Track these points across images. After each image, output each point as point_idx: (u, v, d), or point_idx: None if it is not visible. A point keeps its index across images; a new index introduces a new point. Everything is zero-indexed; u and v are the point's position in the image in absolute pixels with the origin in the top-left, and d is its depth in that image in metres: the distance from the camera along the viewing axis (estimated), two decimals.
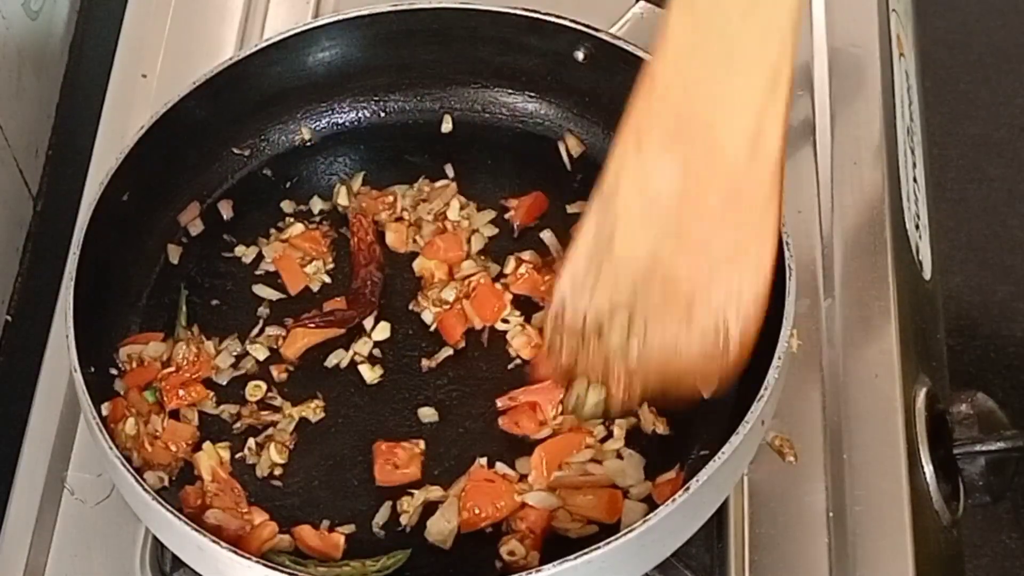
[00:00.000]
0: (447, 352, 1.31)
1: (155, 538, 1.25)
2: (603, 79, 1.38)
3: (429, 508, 1.23)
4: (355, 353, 1.32)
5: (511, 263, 1.35)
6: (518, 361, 1.30)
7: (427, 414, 1.28)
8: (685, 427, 1.26)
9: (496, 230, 1.38)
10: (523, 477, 1.23)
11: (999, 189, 2.31)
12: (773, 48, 1.10)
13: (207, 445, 1.26)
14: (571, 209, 1.39)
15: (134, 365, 1.30)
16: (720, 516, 1.26)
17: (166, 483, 1.25)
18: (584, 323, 1.20)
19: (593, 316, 1.20)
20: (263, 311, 1.35)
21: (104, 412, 1.25)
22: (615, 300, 1.19)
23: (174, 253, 1.38)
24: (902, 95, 1.56)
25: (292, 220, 1.40)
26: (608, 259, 1.19)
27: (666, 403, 1.23)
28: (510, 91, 1.44)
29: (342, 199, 1.40)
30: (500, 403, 1.27)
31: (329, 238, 1.39)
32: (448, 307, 1.32)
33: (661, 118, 1.15)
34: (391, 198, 1.40)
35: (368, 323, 1.33)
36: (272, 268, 1.37)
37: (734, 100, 1.12)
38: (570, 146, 1.42)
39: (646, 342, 1.19)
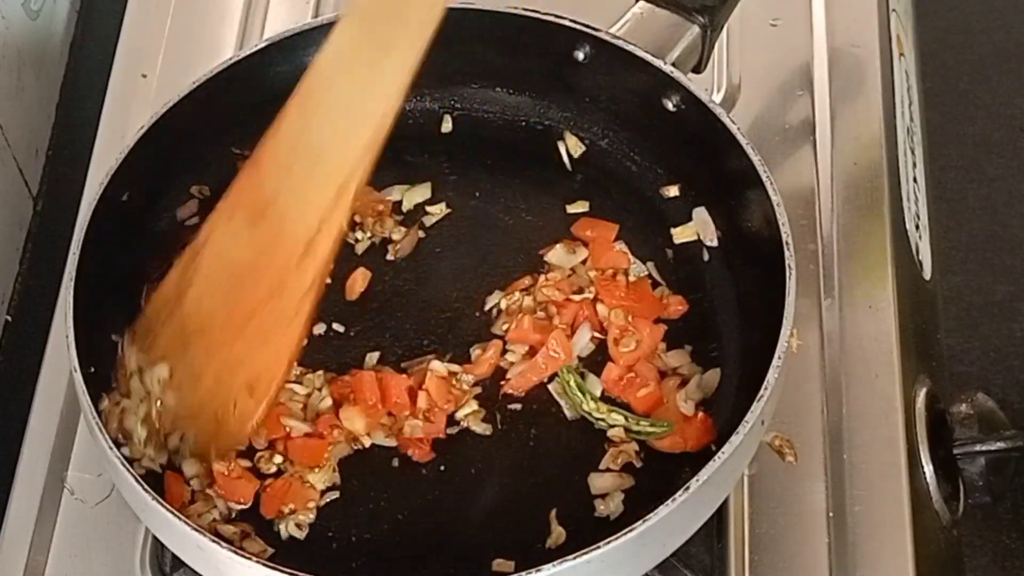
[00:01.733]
0: None
1: (155, 538, 1.26)
2: (603, 79, 1.38)
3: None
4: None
5: None
6: None
7: None
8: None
9: None
10: None
11: (999, 189, 2.31)
12: (346, 169, 1.20)
13: None
14: (571, 209, 1.39)
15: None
16: (720, 516, 1.27)
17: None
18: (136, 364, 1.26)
19: (144, 360, 1.26)
20: None
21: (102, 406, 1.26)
22: (167, 350, 1.25)
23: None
24: (902, 95, 1.56)
25: None
26: (177, 310, 1.25)
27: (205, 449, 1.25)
28: (510, 91, 1.44)
29: None
30: None
31: None
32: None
33: (254, 196, 1.24)
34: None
35: None
36: None
37: (307, 201, 1.21)
38: (570, 146, 1.42)
39: (180, 395, 1.24)
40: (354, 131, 1.21)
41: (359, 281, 1.37)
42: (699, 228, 1.37)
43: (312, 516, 1.24)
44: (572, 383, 1.29)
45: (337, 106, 1.22)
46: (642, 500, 1.23)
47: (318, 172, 1.21)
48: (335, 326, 1.34)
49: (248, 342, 1.23)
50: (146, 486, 1.16)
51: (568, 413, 1.29)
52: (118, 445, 1.20)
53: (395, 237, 1.39)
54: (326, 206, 1.21)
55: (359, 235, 1.39)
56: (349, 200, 1.20)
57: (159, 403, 1.24)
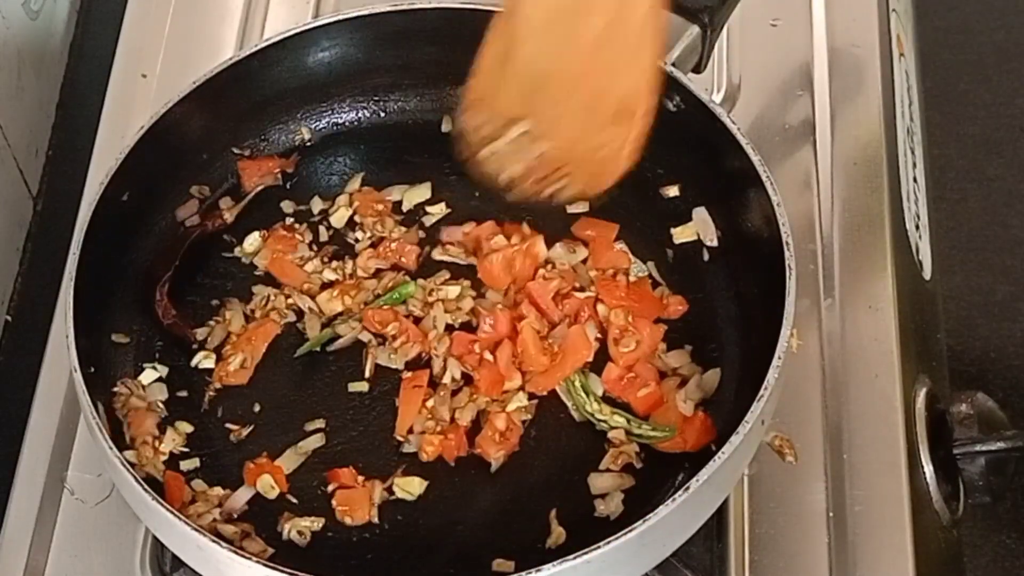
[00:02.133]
0: None
1: (155, 538, 1.26)
2: None
3: None
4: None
5: None
6: None
7: None
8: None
9: None
10: None
11: (999, 189, 2.31)
12: None
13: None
14: (571, 209, 1.39)
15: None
16: (720, 516, 1.26)
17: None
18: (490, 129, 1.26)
19: (498, 121, 1.25)
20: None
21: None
22: (515, 108, 1.24)
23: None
24: (902, 95, 1.56)
25: (292, 220, 1.40)
26: (511, 71, 1.23)
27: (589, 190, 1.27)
28: None
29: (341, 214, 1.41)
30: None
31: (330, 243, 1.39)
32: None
33: None
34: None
35: None
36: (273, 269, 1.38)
37: None
38: None
39: (552, 141, 1.24)
40: None
41: None
42: (699, 228, 1.37)
43: (320, 525, 1.25)
44: (577, 383, 1.29)
45: None
46: (642, 500, 1.23)
47: None
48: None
49: (600, 75, 1.21)
50: (146, 486, 1.16)
51: (575, 415, 1.29)
52: (121, 448, 1.20)
53: (395, 236, 1.39)
54: None
55: (359, 235, 1.39)
56: None
57: (535, 156, 1.23)
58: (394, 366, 1.31)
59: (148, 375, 1.31)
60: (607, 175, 1.25)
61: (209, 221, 1.38)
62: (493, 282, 1.35)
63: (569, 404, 1.29)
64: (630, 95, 1.21)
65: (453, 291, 1.34)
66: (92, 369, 1.24)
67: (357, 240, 1.39)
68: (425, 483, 1.26)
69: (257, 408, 1.31)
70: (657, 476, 1.25)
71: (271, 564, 1.11)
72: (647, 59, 1.21)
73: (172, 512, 1.14)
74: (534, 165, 1.25)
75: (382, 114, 1.45)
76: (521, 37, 1.22)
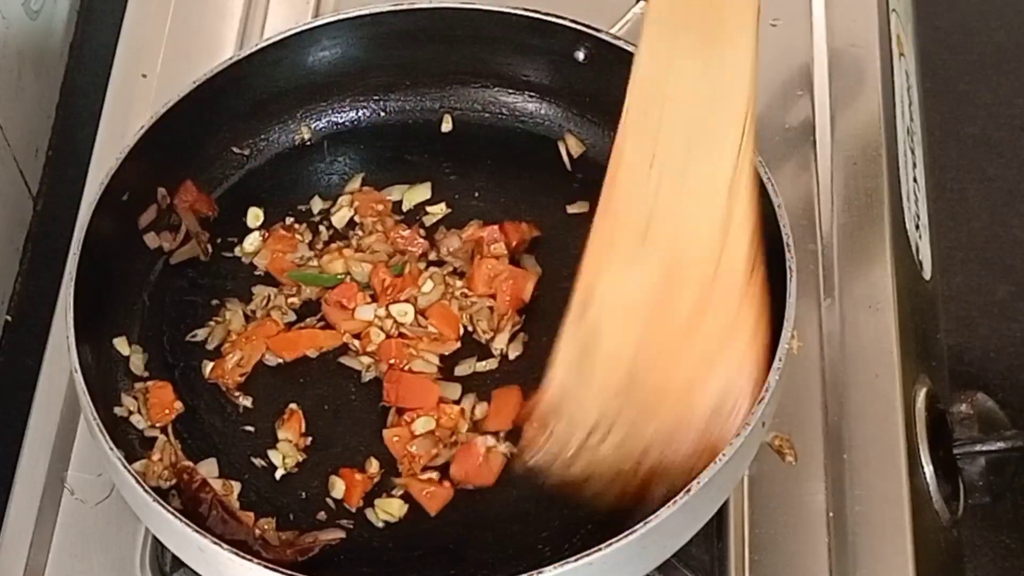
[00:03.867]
0: None
1: (155, 538, 1.25)
2: (603, 79, 1.38)
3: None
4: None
5: None
6: None
7: None
8: None
9: None
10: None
11: (999, 189, 2.31)
12: (735, 129, 1.13)
13: None
14: (571, 209, 1.39)
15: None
16: (720, 516, 1.26)
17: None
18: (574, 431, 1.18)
19: (580, 426, 1.18)
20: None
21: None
22: (601, 409, 1.17)
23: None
24: (902, 95, 1.56)
25: (292, 220, 1.40)
26: (591, 369, 1.17)
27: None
28: (510, 91, 1.44)
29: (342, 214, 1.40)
30: None
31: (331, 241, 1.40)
32: None
33: (625, 231, 1.16)
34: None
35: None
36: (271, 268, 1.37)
37: (695, 202, 1.14)
38: (570, 146, 1.42)
39: (636, 440, 1.16)
40: (714, 117, 1.14)
41: None
42: None
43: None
44: None
45: (681, 105, 1.16)
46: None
47: (690, 178, 1.14)
48: None
49: (693, 361, 1.14)
50: (146, 486, 1.16)
51: None
52: (130, 460, 1.20)
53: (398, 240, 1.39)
54: (718, 206, 1.13)
55: (359, 235, 1.39)
56: (746, 189, 1.12)
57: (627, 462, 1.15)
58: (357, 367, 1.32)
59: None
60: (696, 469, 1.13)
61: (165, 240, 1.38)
62: (477, 289, 1.35)
63: None
64: (728, 383, 1.13)
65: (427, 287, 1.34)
66: (92, 369, 1.24)
67: (359, 239, 1.39)
68: (406, 507, 1.25)
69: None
70: None
71: (271, 565, 1.12)
72: (748, 331, 1.12)
73: (172, 512, 1.14)
74: (624, 467, 1.16)
75: (382, 114, 1.45)
76: (596, 340, 1.16)
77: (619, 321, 1.16)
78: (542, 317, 1.32)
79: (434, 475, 1.25)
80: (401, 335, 1.32)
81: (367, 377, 1.31)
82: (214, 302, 1.36)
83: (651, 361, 1.15)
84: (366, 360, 1.31)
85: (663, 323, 1.15)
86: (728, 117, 1.14)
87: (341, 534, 1.23)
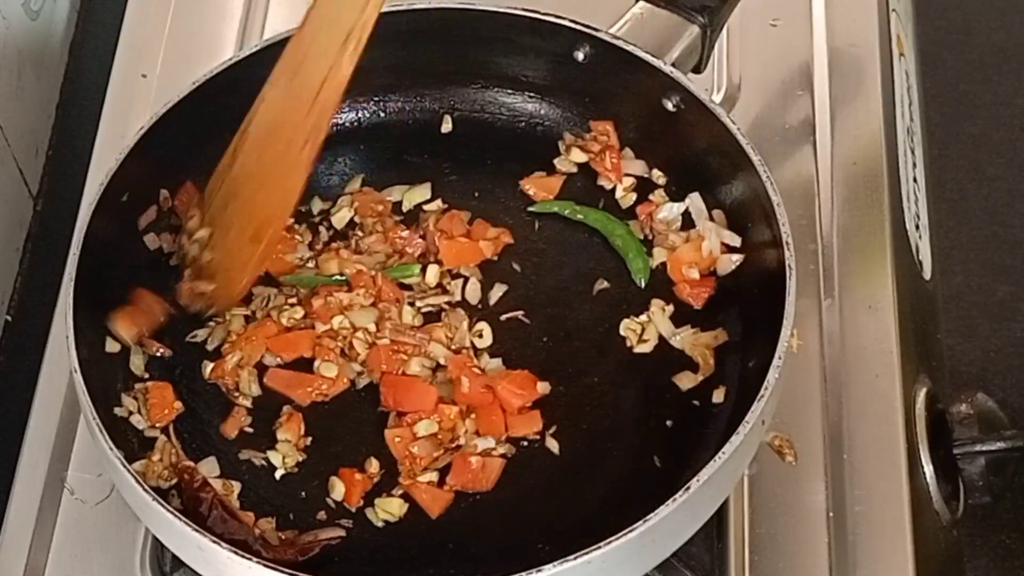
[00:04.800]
0: None
1: (155, 538, 1.26)
2: (603, 79, 1.38)
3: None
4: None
5: None
6: None
7: None
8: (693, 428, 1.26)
9: None
10: None
11: (999, 189, 2.31)
12: (353, 16, 1.25)
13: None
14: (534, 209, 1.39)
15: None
16: (720, 516, 1.26)
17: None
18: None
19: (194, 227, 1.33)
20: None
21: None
22: (212, 216, 1.32)
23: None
24: (902, 95, 1.56)
25: (291, 221, 1.40)
26: (227, 178, 1.31)
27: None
28: (510, 91, 1.44)
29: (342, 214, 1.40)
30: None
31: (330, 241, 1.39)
32: None
33: (291, 60, 1.28)
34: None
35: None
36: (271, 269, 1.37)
37: (324, 52, 1.25)
38: (570, 146, 1.42)
39: (215, 252, 1.31)
40: None
41: None
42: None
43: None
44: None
45: None
46: (643, 500, 1.23)
47: (334, 26, 1.25)
48: None
49: (262, 193, 1.28)
50: (146, 486, 1.16)
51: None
52: (130, 460, 1.20)
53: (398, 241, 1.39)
54: (335, 52, 1.25)
55: (359, 235, 1.39)
56: (356, 48, 1.25)
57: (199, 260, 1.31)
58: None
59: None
60: (233, 287, 1.31)
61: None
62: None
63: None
64: (269, 216, 1.28)
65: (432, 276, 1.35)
66: (92, 369, 1.24)
67: (359, 238, 1.39)
68: (406, 506, 1.25)
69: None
70: (659, 475, 1.25)
71: (271, 564, 1.12)
72: (292, 188, 1.29)
73: (172, 512, 1.14)
74: (200, 267, 1.31)
75: (382, 114, 1.45)
76: (238, 152, 1.29)
77: (254, 140, 1.29)
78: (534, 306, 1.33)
79: (434, 477, 1.25)
80: (393, 341, 1.32)
81: (361, 383, 1.31)
82: None
83: (243, 187, 1.30)
84: (356, 367, 1.31)
85: (268, 150, 1.28)
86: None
87: (341, 533, 1.23)
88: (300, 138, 1.27)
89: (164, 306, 1.33)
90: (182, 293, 1.32)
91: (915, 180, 1.54)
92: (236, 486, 1.25)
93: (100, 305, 1.29)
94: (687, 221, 1.36)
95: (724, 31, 1.41)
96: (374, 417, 1.29)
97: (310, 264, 1.37)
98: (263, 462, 1.27)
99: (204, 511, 1.21)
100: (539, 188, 1.40)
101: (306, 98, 1.26)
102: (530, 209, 1.39)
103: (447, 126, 1.45)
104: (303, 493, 1.26)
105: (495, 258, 1.36)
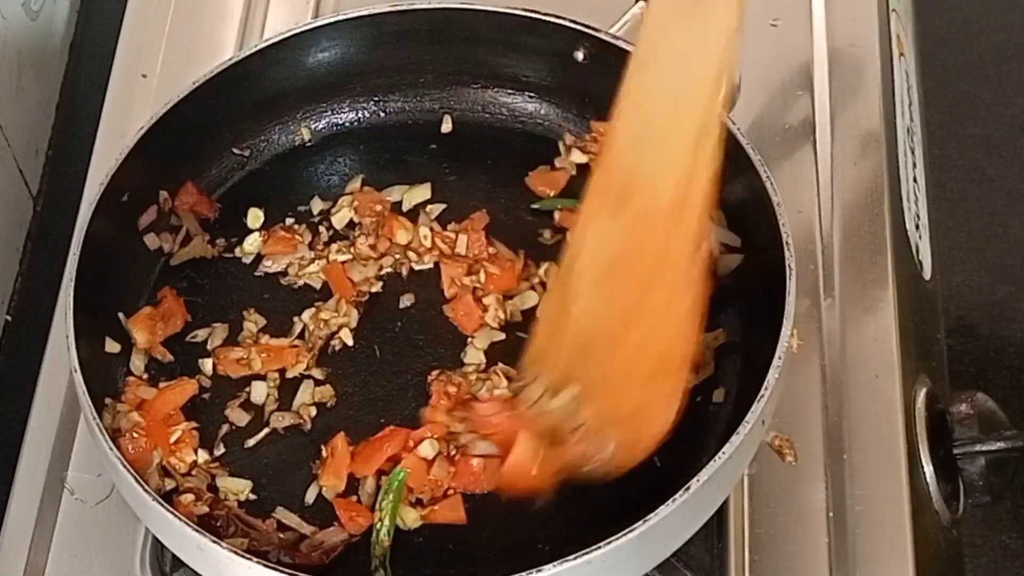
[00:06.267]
0: None
1: (155, 538, 1.26)
2: (603, 79, 1.37)
3: None
4: None
5: None
6: None
7: None
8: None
9: None
10: None
11: (999, 189, 2.31)
12: (697, 116, 1.12)
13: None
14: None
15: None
16: (720, 516, 1.26)
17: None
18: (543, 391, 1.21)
19: (551, 384, 1.20)
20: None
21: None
22: (569, 369, 1.19)
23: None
24: (902, 95, 1.56)
25: (292, 221, 1.40)
26: (567, 327, 1.19)
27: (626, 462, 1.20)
28: (510, 91, 1.44)
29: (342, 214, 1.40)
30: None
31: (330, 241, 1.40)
32: None
33: (612, 186, 1.17)
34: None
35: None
36: (271, 268, 1.37)
37: (666, 165, 1.14)
38: (570, 146, 1.42)
39: (600, 405, 1.18)
40: (695, 78, 1.13)
41: None
42: None
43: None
44: None
45: (671, 62, 1.15)
46: (642, 499, 1.23)
47: (669, 133, 1.14)
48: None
49: (644, 327, 1.17)
50: (146, 486, 1.16)
51: None
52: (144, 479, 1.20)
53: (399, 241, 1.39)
54: (687, 162, 1.13)
55: (359, 234, 1.39)
56: (711, 147, 1.12)
57: (582, 422, 1.18)
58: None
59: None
60: (642, 442, 1.18)
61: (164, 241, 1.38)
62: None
63: None
64: (668, 348, 1.16)
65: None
66: (92, 369, 1.24)
67: (357, 238, 1.39)
68: (420, 522, 1.24)
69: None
70: (659, 474, 1.25)
71: (271, 564, 1.12)
72: (685, 306, 1.15)
73: (172, 512, 1.14)
74: (581, 432, 1.18)
75: (382, 114, 1.46)
76: (573, 296, 1.18)
77: (590, 286, 1.18)
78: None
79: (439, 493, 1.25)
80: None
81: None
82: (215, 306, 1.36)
83: (609, 326, 1.17)
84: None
85: (625, 288, 1.17)
86: (704, 75, 1.13)
87: (345, 535, 1.23)
88: (676, 262, 1.14)
89: (184, 312, 1.32)
90: (571, 456, 1.18)
91: (915, 180, 1.54)
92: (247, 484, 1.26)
93: (100, 305, 1.30)
94: None
95: None
96: None
97: (312, 266, 1.37)
98: (264, 462, 1.28)
99: (222, 526, 1.21)
100: (543, 183, 1.40)
101: (660, 218, 1.13)
102: (533, 207, 1.39)
103: (447, 126, 1.45)
104: (306, 493, 1.26)
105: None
